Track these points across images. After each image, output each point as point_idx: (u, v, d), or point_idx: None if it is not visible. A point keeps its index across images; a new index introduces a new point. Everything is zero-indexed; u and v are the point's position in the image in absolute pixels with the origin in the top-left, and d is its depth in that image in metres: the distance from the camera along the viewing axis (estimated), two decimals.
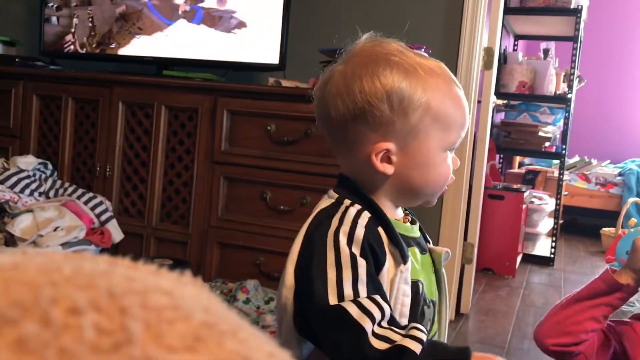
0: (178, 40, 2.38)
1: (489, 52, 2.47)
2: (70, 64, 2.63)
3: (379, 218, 0.80)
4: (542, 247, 3.86)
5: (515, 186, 3.50)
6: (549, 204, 3.90)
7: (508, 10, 3.47)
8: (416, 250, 0.86)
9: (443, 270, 0.91)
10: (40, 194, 2.22)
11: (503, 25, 3.48)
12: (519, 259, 3.43)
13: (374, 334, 0.70)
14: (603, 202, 4.72)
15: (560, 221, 4.15)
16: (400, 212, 0.89)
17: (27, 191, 2.18)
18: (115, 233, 2.18)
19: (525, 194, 3.38)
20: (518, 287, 3.07)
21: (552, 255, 3.66)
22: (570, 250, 4.22)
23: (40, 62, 2.56)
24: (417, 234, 0.89)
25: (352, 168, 0.84)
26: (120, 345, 0.16)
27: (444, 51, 2.35)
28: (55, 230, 1.99)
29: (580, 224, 4.98)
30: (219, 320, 0.20)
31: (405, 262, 0.79)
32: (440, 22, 2.37)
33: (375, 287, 0.74)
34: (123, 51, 2.47)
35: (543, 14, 3.58)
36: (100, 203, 2.19)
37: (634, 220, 3.91)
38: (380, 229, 0.79)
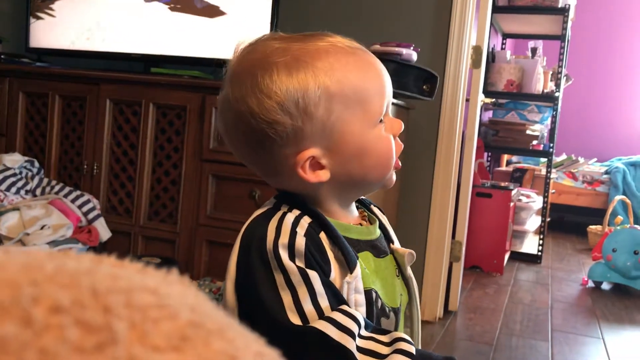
0: (166, 36, 2.36)
1: (477, 50, 2.48)
2: (57, 61, 2.61)
3: (320, 223, 0.72)
4: (530, 245, 3.89)
5: (503, 184, 3.52)
6: (537, 201, 3.92)
7: (496, 9, 3.48)
8: (369, 255, 0.77)
9: (410, 273, 0.83)
10: (26, 192, 2.20)
11: (491, 24, 3.49)
12: (506, 256, 3.45)
13: (359, 349, 0.65)
14: (590, 200, 4.76)
15: (548, 219, 4.18)
16: (354, 212, 0.81)
17: (14, 189, 2.15)
18: (103, 231, 2.17)
19: (513, 192, 3.40)
20: (506, 285, 3.09)
21: (539, 253, 3.68)
22: (557, 247, 4.26)
23: (26, 59, 2.54)
24: (375, 234, 0.80)
25: (289, 187, 0.76)
26: (104, 345, 0.16)
27: (432, 49, 2.36)
28: (42, 228, 1.97)
29: (567, 222, 5.02)
30: (206, 320, 0.19)
31: (351, 271, 0.70)
32: (429, 21, 2.38)
33: (334, 294, 0.68)
34: (109, 47, 2.45)
35: (531, 13, 3.60)
36: (88, 201, 2.17)
37: (620, 218, 3.94)
38: (323, 235, 0.71)
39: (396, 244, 0.84)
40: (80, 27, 2.48)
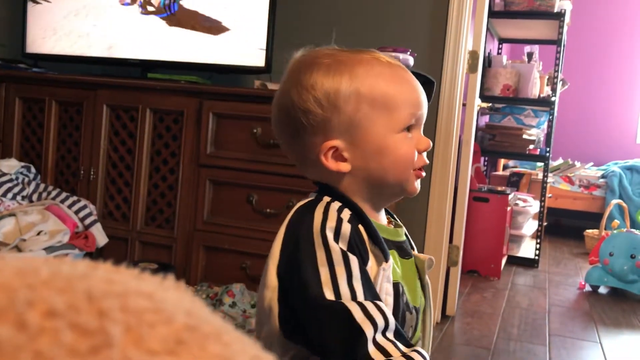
0: (162, 42, 2.36)
1: (473, 55, 2.49)
2: (54, 67, 2.61)
3: (358, 216, 0.78)
4: (527, 249, 3.89)
5: (499, 188, 3.52)
6: (534, 206, 3.93)
7: (492, 14, 3.49)
8: (396, 254, 0.83)
9: (427, 278, 0.88)
10: (23, 198, 2.19)
11: (487, 29, 3.50)
12: (504, 260, 3.45)
13: (375, 342, 0.68)
14: (586, 204, 4.76)
15: (545, 223, 4.18)
16: (383, 218, 0.87)
17: (10, 195, 2.15)
18: (100, 237, 2.16)
19: (510, 197, 3.41)
20: (503, 289, 3.09)
21: (536, 257, 3.69)
22: (554, 251, 4.26)
23: (22, 65, 2.53)
24: (402, 238, 0.87)
25: (317, 177, 0.84)
26: (99, 349, 0.16)
27: (429, 55, 2.36)
28: (38, 234, 1.97)
29: (564, 226, 5.03)
30: (202, 324, 0.19)
31: (386, 260, 0.77)
32: (425, 26, 2.39)
33: (368, 284, 0.72)
34: (106, 53, 2.45)
35: (527, 18, 3.61)
36: (84, 207, 2.16)
37: (616, 222, 3.94)
38: (360, 227, 0.77)
39: (415, 252, 0.90)
40: (77, 30, 2.49)
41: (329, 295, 0.70)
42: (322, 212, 0.76)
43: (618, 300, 3.06)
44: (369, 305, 0.69)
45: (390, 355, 0.68)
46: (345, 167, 0.79)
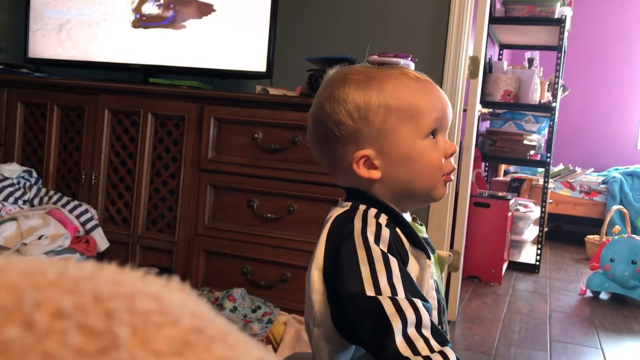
0: (164, 48, 2.37)
1: (474, 61, 2.49)
2: (56, 71, 2.61)
3: (395, 220, 0.82)
4: (528, 255, 3.88)
5: (500, 194, 3.52)
6: (534, 211, 3.92)
7: (493, 20, 3.50)
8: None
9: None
10: (24, 202, 2.20)
11: (488, 35, 3.51)
12: (504, 266, 3.45)
13: (405, 336, 0.70)
14: (587, 209, 4.76)
15: (545, 229, 4.18)
16: (407, 216, 0.91)
17: (11, 199, 2.15)
18: (101, 241, 2.16)
19: (511, 202, 3.40)
20: (504, 295, 3.08)
21: (537, 263, 3.68)
22: (555, 257, 4.25)
23: (25, 70, 2.54)
24: (425, 234, 0.91)
25: (348, 183, 0.88)
26: (107, 350, 0.16)
27: (430, 60, 2.37)
28: (39, 238, 1.97)
29: (565, 232, 5.03)
30: (208, 325, 0.20)
31: (429, 257, 0.81)
32: (426, 32, 2.39)
33: (408, 282, 0.75)
34: (109, 58, 2.45)
35: (527, 24, 3.62)
36: (86, 211, 2.17)
37: (617, 227, 3.93)
38: (397, 230, 0.81)
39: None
40: (79, 35, 2.49)
41: (370, 292, 0.73)
42: (362, 220, 0.80)
43: (619, 306, 3.05)
44: (402, 301, 0.72)
45: (419, 351, 0.70)
46: (376, 174, 0.84)
